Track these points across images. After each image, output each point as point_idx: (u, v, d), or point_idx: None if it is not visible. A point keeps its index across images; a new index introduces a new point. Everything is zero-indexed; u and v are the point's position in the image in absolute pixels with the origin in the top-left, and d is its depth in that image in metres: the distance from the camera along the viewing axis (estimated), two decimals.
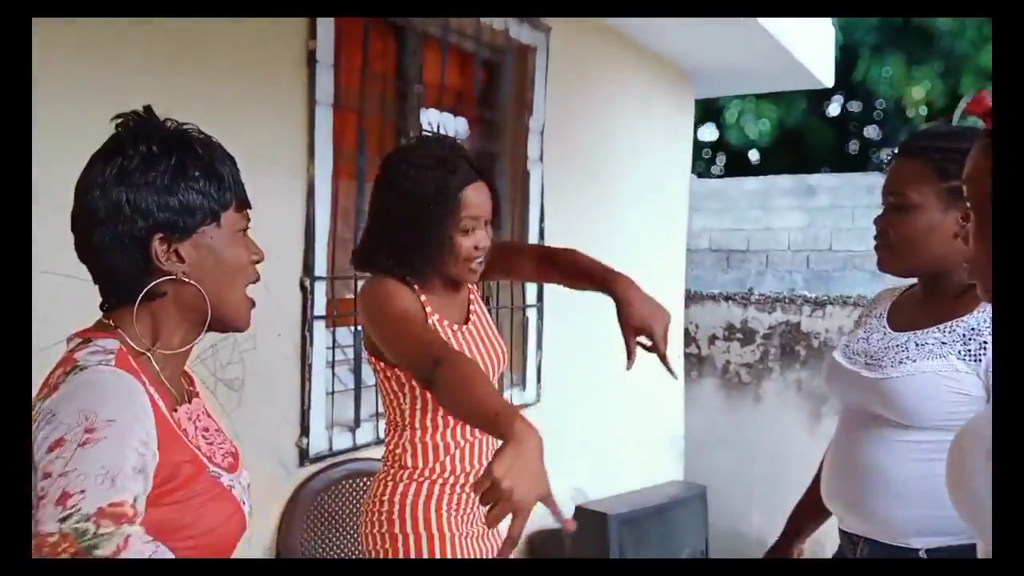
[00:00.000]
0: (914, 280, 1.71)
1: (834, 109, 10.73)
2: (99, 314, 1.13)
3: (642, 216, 4.21)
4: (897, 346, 1.51)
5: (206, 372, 2.04)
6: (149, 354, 1.10)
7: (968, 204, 1.10)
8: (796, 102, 9.82)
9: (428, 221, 1.61)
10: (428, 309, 1.66)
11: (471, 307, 1.78)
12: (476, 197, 1.65)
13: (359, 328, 2.58)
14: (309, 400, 2.33)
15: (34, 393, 1.04)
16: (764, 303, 5.28)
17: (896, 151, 1.56)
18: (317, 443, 2.36)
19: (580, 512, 3.33)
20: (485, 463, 1.66)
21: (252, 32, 2.17)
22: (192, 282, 1.10)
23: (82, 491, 0.92)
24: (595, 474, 3.71)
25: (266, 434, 2.24)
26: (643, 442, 4.23)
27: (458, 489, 1.65)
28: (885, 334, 1.58)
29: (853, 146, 11.01)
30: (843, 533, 1.61)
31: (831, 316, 5.10)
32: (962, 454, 1.11)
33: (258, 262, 1.17)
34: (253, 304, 1.18)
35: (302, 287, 2.32)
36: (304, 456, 2.33)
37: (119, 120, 1.13)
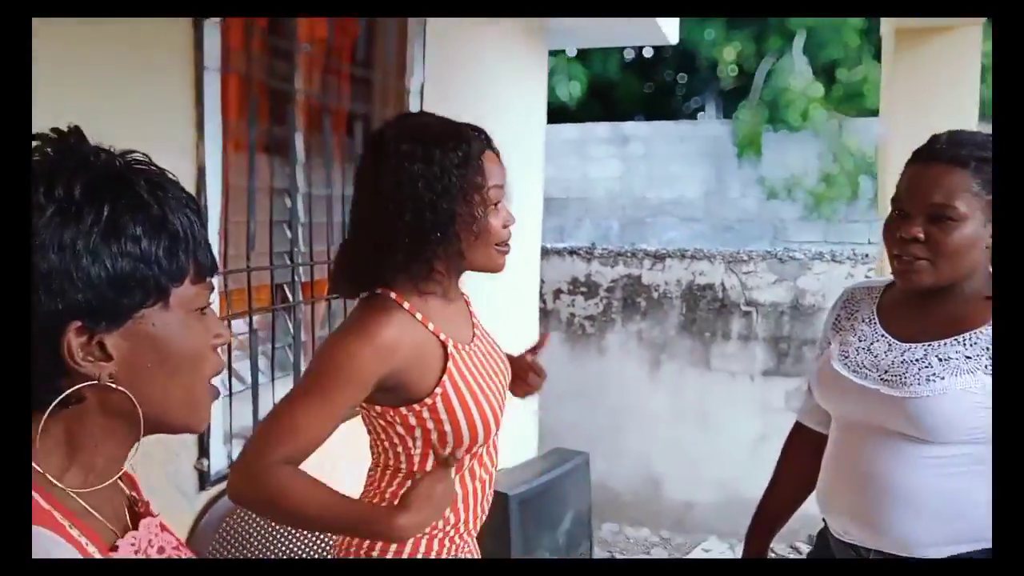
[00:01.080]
0: (881, 278, 1.68)
1: (651, 68, 11.04)
2: None
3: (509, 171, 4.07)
4: (916, 360, 1.48)
5: None
6: (64, 489, 0.78)
7: None
8: (611, 54, 9.95)
9: (451, 198, 1.34)
10: (442, 336, 1.40)
11: (473, 319, 1.55)
12: (496, 166, 1.42)
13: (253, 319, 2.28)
14: None
15: None
16: (607, 257, 5.34)
17: (928, 155, 1.47)
18: (217, 462, 2.07)
19: None
20: (484, 510, 1.50)
21: None
22: (121, 388, 0.77)
23: None
24: None
25: (162, 459, 1.93)
26: None
27: (457, 540, 1.46)
28: (891, 345, 1.53)
29: (665, 97, 11.38)
30: (845, 545, 1.59)
31: (670, 269, 5.25)
32: None
33: (222, 344, 0.86)
34: (217, 394, 0.87)
35: None
36: (205, 479, 2.03)
37: (36, 144, 0.78)
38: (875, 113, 8.50)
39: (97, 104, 0.84)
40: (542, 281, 5.31)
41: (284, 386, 2.37)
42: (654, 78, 11.34)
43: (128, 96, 1.78)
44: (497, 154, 1.44)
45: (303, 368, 2.47)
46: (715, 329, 5.12)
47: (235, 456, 2.13)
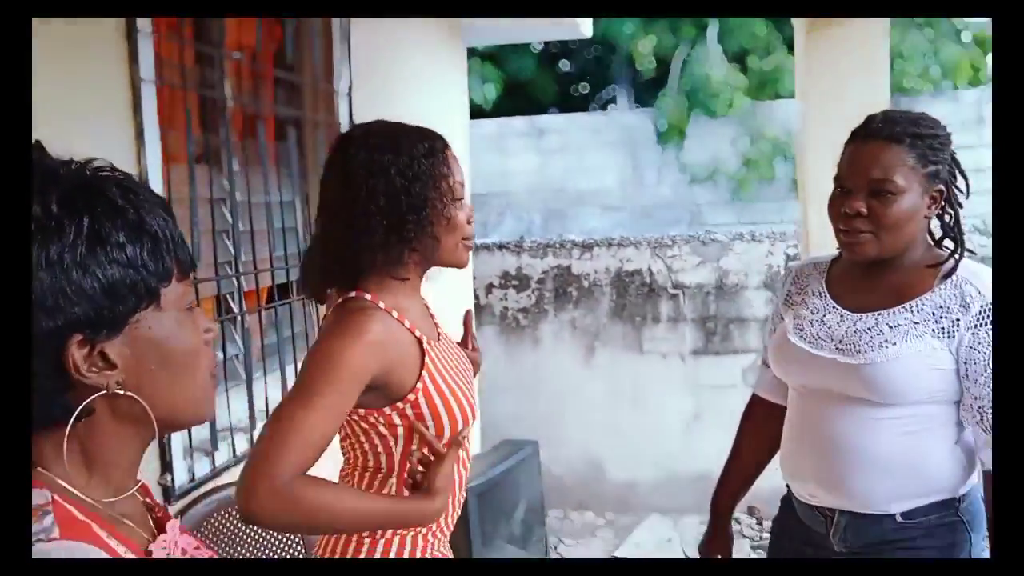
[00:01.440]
0: (825, 254, 1.77)
1: (563, 63, 11.16)
2: None
3: None
4: (868, 329, 1.57)
5: None
6: (92, 501, 0.80)
7: None
8: (523, 50, 10.01)
9: (423, 183, 1.39)
10: (417, 333, 1.43)
11: (434, 318, 1.58)
12: (457, 164, 1.47)
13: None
14: None
15: None
16: (536, 249, 5.42)
17: (866, 133, 1.57)
18: (180, 476, 2.05)
19: None
20: (458, 508, 1.54)
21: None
22: (130, 393, 0.79)
23: None
24: None
25: None
26: None
27: (430, 538, 1.49)
28: (843, 316, 1.62)
29: (578, 89, 11.51)
30: (811, 508, 1.68)
31: (598, 257, 5.35)
32: None
33: (212, 338, 0.89)
34: (216, 383, 0.90)
35: None
36: (169, 494, 2.01)
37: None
38: (788, 98, 8.82)
39: (35, 117, 0.85)
40: (474, 277, 5.36)
41: (238, 396, 2.35)
42: (565, 71, 11.48)
43: (67, 109, 1.75)
44: (455, 156, 1.49)
45: (254, 378, 2.46)
46: (645, 313, 5.25)
47: (197, 470, 2.12)
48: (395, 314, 1.42)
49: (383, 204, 1.38)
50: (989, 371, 1.49)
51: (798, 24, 4.03)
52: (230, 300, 2.47)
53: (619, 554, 4.62)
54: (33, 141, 0.80)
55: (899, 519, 1.59)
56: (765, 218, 8.51)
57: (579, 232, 8.19)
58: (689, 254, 5.21)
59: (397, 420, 1.41)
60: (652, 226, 8.49)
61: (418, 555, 1.46)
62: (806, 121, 3.88)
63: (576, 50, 11.03)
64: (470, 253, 1.50)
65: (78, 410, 0.77)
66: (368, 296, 1.42)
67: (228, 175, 2.37)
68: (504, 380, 5.15)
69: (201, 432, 2.19)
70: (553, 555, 4.10)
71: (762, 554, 4.51)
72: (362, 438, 1.45)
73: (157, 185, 2.01)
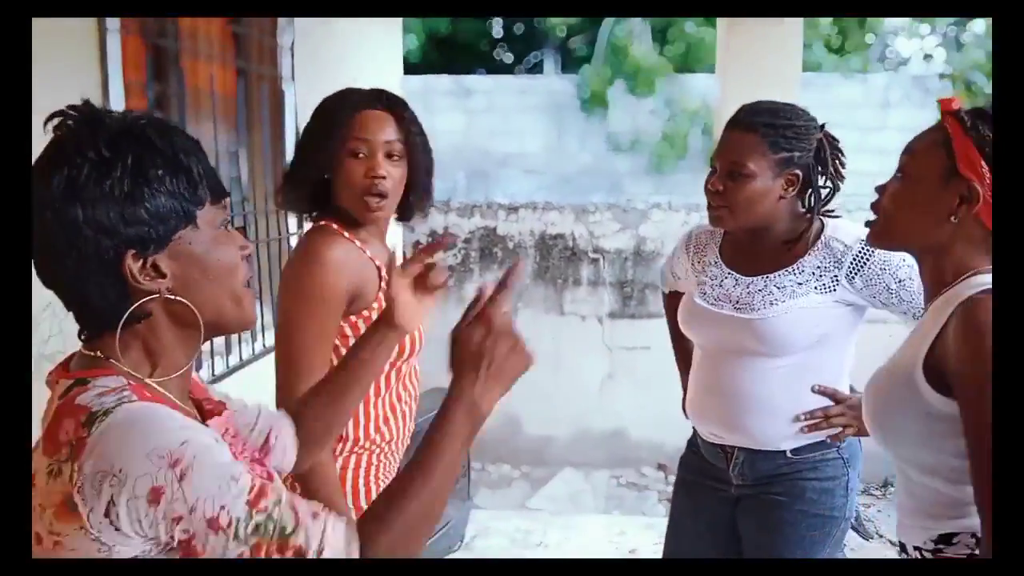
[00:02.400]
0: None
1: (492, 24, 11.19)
2: None
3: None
4: (760, 290, 1.80)
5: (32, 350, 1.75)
6: (154, 383, 0.98)
7: (899, 173, 1.32)
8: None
9: (317, 144, 1.60)
10: (377, 262, 1.61)
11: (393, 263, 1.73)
12: (371, 121, 1.61)
13: None
14: None
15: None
16: (464, 210, 5.55)
17: (731, 122, 1.79)
18: (204, 374, 2.15)
19: None
20: (410, 429, 1.70)
21: None
22: (179, 297, 0.97)
23: (222, 506, 0.88)
24: None
25: None
26: None
27: (390, 457, 1.65)
28: (737, 280, 1.85)
29: (504, 51, 11.58)
30: (713, 445, 1.92)
31: (523, 220, 5.52)
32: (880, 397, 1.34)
33: (248, 255, 1.05)
34: (254, 294, 1.06)
35: None
36: None
37: (56, 121, 0.94)
38: (708, 70, 9.12)
39: None
40: (405, 234, 5.47)
41: None
42: (492, 32, 11.53)
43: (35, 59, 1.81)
44: (393, 113, 1.63)
45: None
46: (566, 276, 5.45)
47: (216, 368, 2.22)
48: (357, 243, 1.61)
49: (302, 157, 1.66)
50: (894, 291, 1.74)
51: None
52: None
53: (532, 504, 4.84)
54: (84, 100, 0.95)
55: (789, 455, 1.83)
56: (680, 189, 8.84)
57: (502, 194, 8.35)
58: (610, 220, 5.42)
59: (348, 331, 1.60)
60: (572, 192, 8.70)
61: (382, 475, 1.62)
62: (724, 96, 4.11)
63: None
64: (380, 208, 1.61)
65: (132, 308, 0.94)
66: (335, 226, 1.61)
67: (181, 124, 2.44)
68: (431, 335, 5.29)
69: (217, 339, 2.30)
70: (471, 504, 4.29)
71: (668, 505, 4.82)
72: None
73: None
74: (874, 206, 1.38)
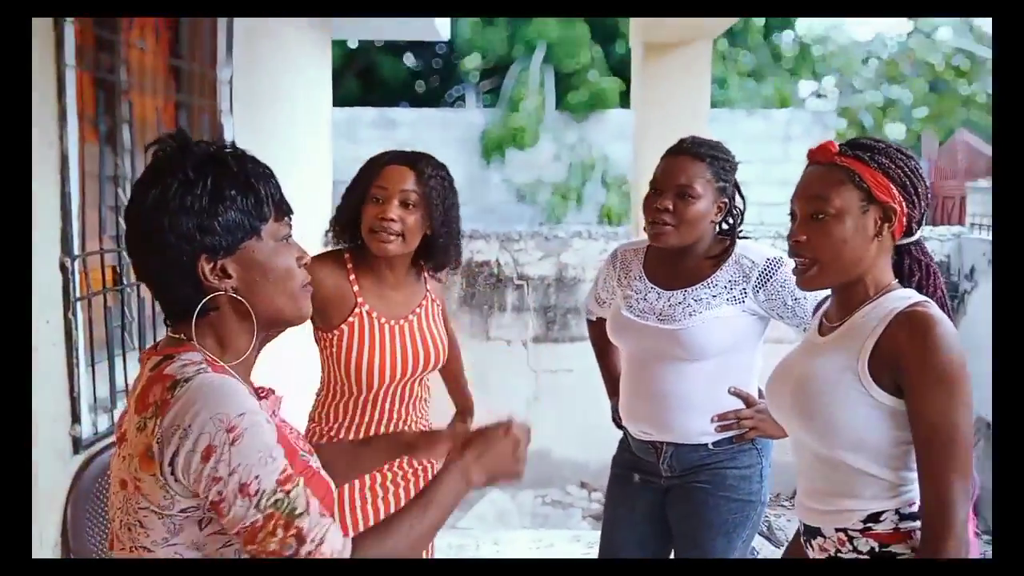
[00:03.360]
0: (642, 240, 2.21)
1: (409, 59, 11.41)
2: None
3: (299, 156, 4.32)
4: (679, 303, 2.03)
5: None
6: (224, 363, 1.18)
7: (820, 216, 1.45)
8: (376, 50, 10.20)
9: (351, 191, 1.94)
10: (359, 298, 1.87)
11: (420, 306, 1.99)
12: (393, 173, 1.90)
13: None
14: (78, 385, 2.18)
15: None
16: None
17: (677, 150, 2.03)
18: (87, 429, 2.23)
19: None
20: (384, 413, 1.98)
21: None
22: (239, 296, 1.17)
23: (256, 476, 1.07)
24: None
25: (42, 425, 2.07)
26: None
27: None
28: (659, 294, 2.07)
29: (425, 85, 11.79)
30: (644, 443, 2.12)
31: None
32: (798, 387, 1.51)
33: (305, 263, 1.25)
34: (308, 293, 1.26)
35: (62, 268, 2.14)
36: (78, 444, 2.19)
37: (155, 147, 1.17)
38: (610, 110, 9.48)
39: None
40: None
41: (132, 360, 2.53)
42: (411, 66, 11.76)
43: None
44: (415, 168, 1.93)
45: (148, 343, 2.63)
46: (492, 302, 5.62)
47: (99, 424, 2.30)
48: (352, 276, 1.91)
49: (341, 199, 2.01)
50: (790, 306, 1.98)
51: (635, 48, 4.55)
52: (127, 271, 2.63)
53: (461, 525, 4.96)
54: (178, 128, 1.15)
55: (710, 447, 2.05)
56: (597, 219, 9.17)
57: None
58: (534, 248, 5.63)
59: (323, 344, 1.90)
60: (496, 222, 8.93)
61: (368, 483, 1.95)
62: (639, 137, 4.39)
63: (425, 48, 11.33)
64: (387, 243, 1.91)
65: (201, 302, 1.16)
66: (346, 254, 1.96)
67: (131, 155, 2.55)
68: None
69: (102, 391, 2.37)
70: None
71: (592, 522, 5.00)
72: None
73: (75, 161, 2.18)
74: (801, 254, 1.49)
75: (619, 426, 2.28)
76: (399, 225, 1.87)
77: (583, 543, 4.07)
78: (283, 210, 1.22)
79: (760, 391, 2.06)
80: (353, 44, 9.88)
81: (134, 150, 2.58)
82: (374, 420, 1.97)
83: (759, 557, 3.69)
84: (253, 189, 1.17)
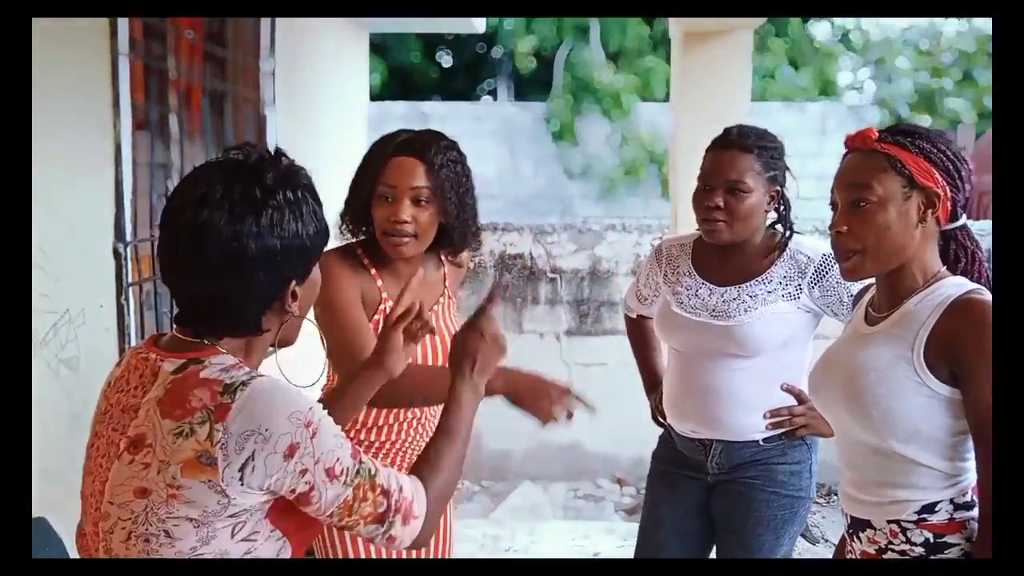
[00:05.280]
0: (687, 234, 2.19)
1: (444, 57, 11.39)
2: None
3: (341, 150, 4.35)
4: (734, 299, 1.99)
5: (50, 355, 1.87)
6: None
7: (861, 204, 1.43)
8: (408, 44, 10.21)
9: (357, 187, 1.77)
10: (384, 293, 1.77)
11: (437, 303, 1.86)
12: (400, 168, 1.72)
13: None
14: None
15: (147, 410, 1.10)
16: None
17: (724, 143, 1.98)
18: None
19: None
20: (416, 431, 1.87)
21: None
22: (299, 316, 1.19)
23: (337, 459, 1.11)
24: None
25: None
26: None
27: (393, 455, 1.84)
28: (712, 290, 2.03)
29: (458, 79, 11.81)
30: (691, 440, 2.09)
31: (484, 240, 5.69)
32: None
33: None
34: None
35: (115, 254, 2.17)
36: None
37: (239, 155, 1.13)
38: (658, 100, 9.44)
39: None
40: None
41: None
42: (446, 64, 11.77)
43: (49, 79, 1.94)
44: (424, 159, 1.73)
45: None
46: (525, 295, 5.62)
47: None
48: (372, 271, 1.79)
49: (347, 194, 1.82)
50: (846, 303, 1.93)
51: (675, 37, 4.50)
52: None
53: (493, 516, 4.98)
54: (276, 149, 1.15)
55: (761, 443, 2.03)
56: (630, 212, 9.12)
57: None
58: (567, 241, 5.61)
59: None
60: (527, 215, 8.92)
61: None
62: (678, 127, 4.36)
63: (458, 42, 11.33)
64: (401, 246, 1.75)
65: (279, 327, 1.18)
66: (359, 250, 1.80)
67: (180, 145, 2.58)
68: None
69: None
70: None
71: (624, 515, 5.00)
72: None
73: (128, 150, 2.21)
74: (843, 244, 1.46)
75: (660, 424, 2.25)
76: (412, 226, 1.72)
77: (617, 535, 4.07)
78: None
79: None
80: (386, 39, 9.89)
81: (183, 139, 2.61)
82: (392, 419, 1.85)
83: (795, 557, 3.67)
84: (321, 208, 1.17)
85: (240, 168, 1.11)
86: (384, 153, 1.75)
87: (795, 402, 1.99)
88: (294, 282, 1.14)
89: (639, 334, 2.34)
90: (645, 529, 2.23)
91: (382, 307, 1.77)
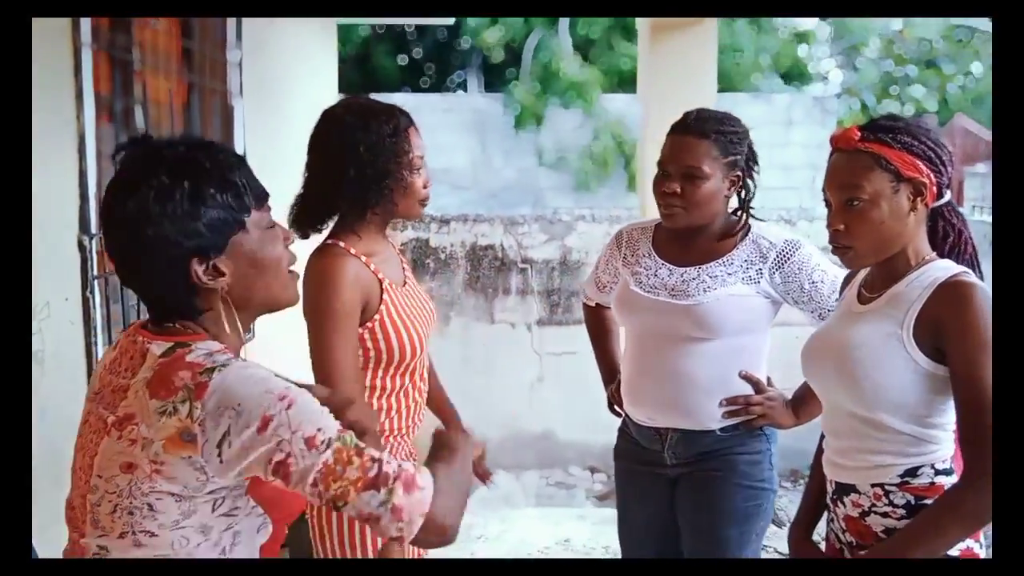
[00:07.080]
0: (647, 219, 2.20)
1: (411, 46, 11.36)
2: None
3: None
4: (693, 279, 1.99)
5: None
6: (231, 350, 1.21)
7: (855, 202, 1.50)
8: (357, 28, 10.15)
9: (386, 158, 1.70)
10: (380, 276, 1.74)
11: (404, 265, 1.89)
12: (417, 139, 1.78)
13: None
14: (96, 363, 2.20)
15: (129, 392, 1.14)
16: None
17: (682, 129, 1.96)
18: None
19: None
20: (417, 420, 1.88)
21: None
22: (235, 291, 1.20)
23: (319, 428, 1.12)
24: None
25: (63, 404, 2.09)
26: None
27: (398, 441, 1.82)
28: (671, 270, 2.03)
29: (427, 71, 11.76)
30: (647, 429, 2.07)
31: (455, 232, 5.71)
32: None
33: (290, 243, 1.27)
34: (296, 276, 1.29)
35: (80, 247, 2.16)
36: None
37: (121, 152, 1.17)
38: (627, 89, 9.46)
39: None
40: None
41: None
42: (413, 55, 11.72)
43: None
44: (417, 130, 1.79)
45: None
46: (496, 285, 5.64)
47: None
48: (363, 259, 1.75)
49: (353, 176, 1.71)
50: (806, 291, 1.97)
51: (642, 26, 4.54)
52: None
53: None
54: (142, 134, 1.17)
55: (719, 433, 2.01)
56: (600, 203, 9.16)
57: (432, 208, 8.51)
58: (538, 232, 5.65)
59: (368, 342, 1.75)
60: (498, 206, 8.93)
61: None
62: (647, 118, 4.40)
63: (425, 32, 11.28)
64: (422, 211, 1.84)
65: (200, 305, 1.19)
66: (341, 244, 1.74)
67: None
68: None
69: None
70: None
71: (597, 503, 5.05)
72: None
73: (92, 140, 2.20)
74: (841, 241, 1.54)
75: (615, 413, 2.25)
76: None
77: (588, 521, 4.11)
78: (262, 197, 1.22)
79: (768, 378, 2.05)
80: (357, 31, 9.83)
81: (148, 131, 2.59)
82: (417, 395, 1.86)
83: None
84: (231, 183, 1.17)
85: (134, 164, 1.16)
86: (400, 124, 1.75)
87: (752, 391, 1.99)
88: (196, 259, 1.15)
89: (597, 323, 2.35)
90: (622, 531, 2.22)
91: (384, 285, 1.75)
